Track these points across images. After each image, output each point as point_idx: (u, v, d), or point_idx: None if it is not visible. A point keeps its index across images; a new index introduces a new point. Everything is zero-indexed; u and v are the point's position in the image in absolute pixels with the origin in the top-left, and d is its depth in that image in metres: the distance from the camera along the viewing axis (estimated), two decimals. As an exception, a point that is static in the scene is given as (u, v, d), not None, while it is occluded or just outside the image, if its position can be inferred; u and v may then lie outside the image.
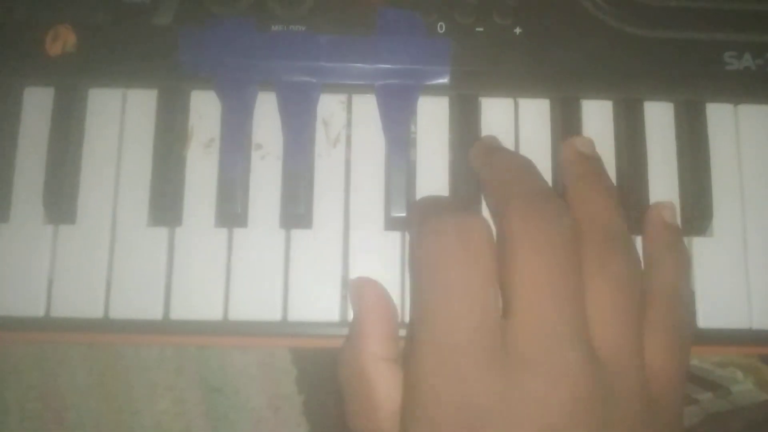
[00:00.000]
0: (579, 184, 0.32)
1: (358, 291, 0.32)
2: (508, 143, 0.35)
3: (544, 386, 0.26)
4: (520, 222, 0.29)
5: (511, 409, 0.26)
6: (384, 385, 0.29)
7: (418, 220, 0.31)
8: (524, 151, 0.35)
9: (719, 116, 0.36)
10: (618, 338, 0.28)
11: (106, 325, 0.33)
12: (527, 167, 0.32)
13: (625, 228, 0.31)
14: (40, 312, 0.33)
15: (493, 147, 0.34)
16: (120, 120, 0.35)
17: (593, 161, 0.34)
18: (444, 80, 0.35)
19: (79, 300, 0.33)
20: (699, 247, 0.35)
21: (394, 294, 0.33)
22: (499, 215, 0.30)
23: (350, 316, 0.33)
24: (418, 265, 0.29)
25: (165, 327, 0.33)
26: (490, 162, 0.33)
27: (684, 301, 0.32)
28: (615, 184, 0.34)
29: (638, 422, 0.27)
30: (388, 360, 0.29)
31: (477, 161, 0.34)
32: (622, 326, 0.28)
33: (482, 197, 0.34)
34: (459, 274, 0.28)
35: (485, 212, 0.34)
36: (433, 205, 0.32)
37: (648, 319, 0.30)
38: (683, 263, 0.33)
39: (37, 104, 0.35)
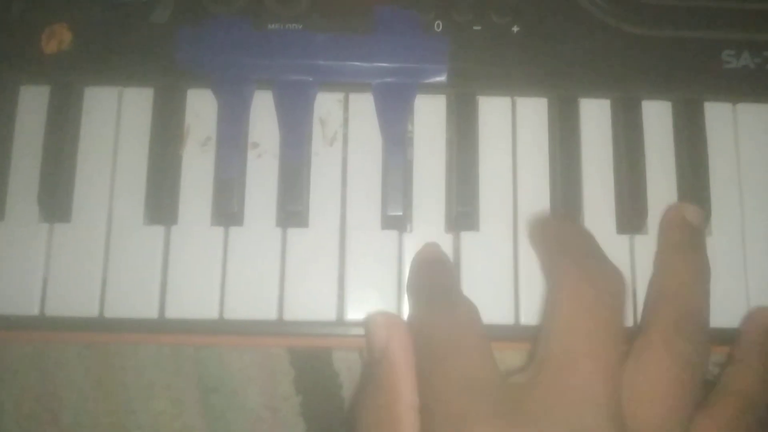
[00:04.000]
0: (672, 253, 0.32)
1: (385, 330, 0.30)
2: (505, 142, 0.35)
3: None
4: (569, 281, 0.28)
5: None
6: None
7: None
8: (522, 149, 0.35)
9: (718, 115, 0.36)
10: (662, 418, 0.27)
11: (101, 324, 0.33)
12: (580, 230, 0.32)
13: (706, 313, 0.30)
14: (35, 311, 0.33)
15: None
16: (116, 118, 0.35)
17: (696, 234, 0.33)
18: (441, 79, 0.35)
19: (74, 299, 0.33)
20: (697, 246, 0.34)
21: (391, 293, 0.33)
22: (549, 272, 0.30)
23: (347, 315, 0.33)
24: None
25: (160, 326, 0.33)
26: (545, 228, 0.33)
27: (757, 410, 0.30)
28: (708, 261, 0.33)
29: None
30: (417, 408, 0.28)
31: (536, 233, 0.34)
32: (669, 409, 0.27)
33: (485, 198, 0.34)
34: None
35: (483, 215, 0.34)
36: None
37: (711, 409, 0.29)
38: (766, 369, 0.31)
39: (32, 103, 0.35)
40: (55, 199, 0.33)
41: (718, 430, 0.28)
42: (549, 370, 0.27)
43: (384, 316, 0.31)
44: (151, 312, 0.33)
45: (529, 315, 0.33)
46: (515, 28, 0.35)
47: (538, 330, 0.30)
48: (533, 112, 0.35)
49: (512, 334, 0.33)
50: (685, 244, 0.32)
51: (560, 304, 0.28)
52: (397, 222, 0.34)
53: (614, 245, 0.33)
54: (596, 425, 0.25)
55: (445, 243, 0.34)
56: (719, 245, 0.34)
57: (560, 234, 0.32)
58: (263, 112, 0.35)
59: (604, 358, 0.27)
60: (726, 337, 0.33)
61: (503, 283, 0.33)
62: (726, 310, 0.34)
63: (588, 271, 0.29)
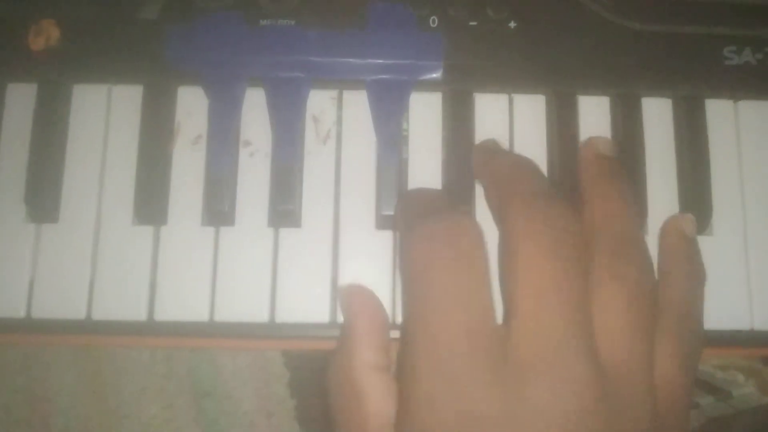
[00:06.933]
0: (595, 186, 0.31)
1: (348, 298, 0.31)
2: (502, 140, 0.34)
3: (548, 398, 0.25)
4: (524, 222, 0.27)
5: (511, 419, 0.24)
6: (375, 396, 0.28)
7: (405, 224, 0.30)
8: (519, 147, 0.34)
9: (719, 112, 0.35)
10: (627, 349, 0.27)
11: (88, 327, 0.32)
12: (530, 167, 0.31)
13: (641, 234, 0.30)
14: (21, 313, 0.32)
15: (494, 149, 0.33)
16: (105, 116, 0.34)
17: (612, 163, 0.32)
18: (437, 75, 0.34)
19: (62, 301, 0.32)
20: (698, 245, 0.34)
21: (386, 294, 0.32)
22: (501, 217, 0.29)
23: (340, 317, 0.32)
24: (408, 271, 0.28)
25: (149, 328, 0.32)
26: (492, 164, 0.32)
27: (696, 314, 0.31)
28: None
29: None
30: (380, 369, 0.28)
31: (478, 165, 0.33)
32: (633, 336, 0.27)
33: (481, 198, 0.33)
34: (451, 279, 0.27)
35: (480, 213, 0.33)
36: (421, 204, 0.31)
37: (659, 327, 0.29)
38: (699, 277, 0.32)
39: (19, 101, 0.34)
40: (43, 198, 0.33)
41: (668, 345, 0.28)
42: (520, 319, 0.26)
43: (348, 286, 0.31)
44: (139, 314, 0.32)
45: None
46: (512, 24, 0.35)
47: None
48: (530, 110, 0.35)
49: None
50: (604, 174, 0.32)
51: (518, 247, 0.27)
52: (391, 222, 0.33)
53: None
54: (580, 368, 0.25)
55: (441, 243, 0.33)
56: (721, 245, 0.34)
57: (508, 171, 0.31)
58: (255, 110, 0.34)
59: (575, 297, 0.26)
60: (729, 340, 0.33)
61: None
62: (728, 311, 0.33)
63: (542, 210, 0.28)
